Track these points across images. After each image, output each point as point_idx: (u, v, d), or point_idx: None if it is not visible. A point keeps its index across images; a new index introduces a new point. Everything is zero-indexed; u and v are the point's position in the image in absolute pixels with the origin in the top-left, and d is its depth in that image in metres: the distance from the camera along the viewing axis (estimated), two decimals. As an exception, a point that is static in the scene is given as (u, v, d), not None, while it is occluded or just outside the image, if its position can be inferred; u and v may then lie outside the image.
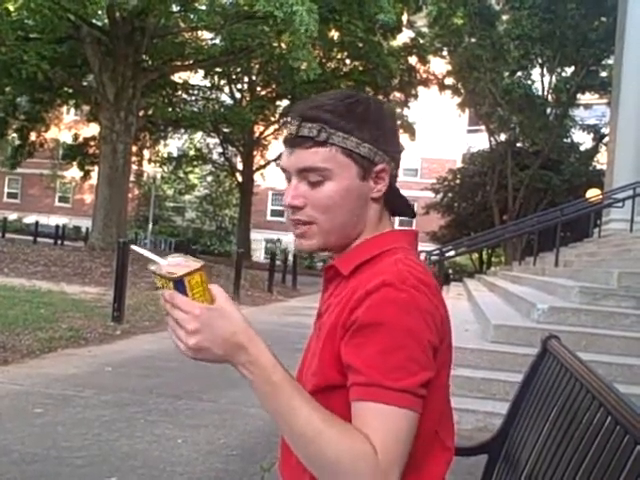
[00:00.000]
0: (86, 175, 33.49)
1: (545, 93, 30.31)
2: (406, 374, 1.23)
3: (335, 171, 1.38)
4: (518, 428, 2.11)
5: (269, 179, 43.01)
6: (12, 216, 49.63)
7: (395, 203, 1.50)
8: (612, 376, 5.55)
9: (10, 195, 55.78)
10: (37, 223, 37.16)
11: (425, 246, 23.87)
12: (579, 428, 1.62)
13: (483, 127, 35.35)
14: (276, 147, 39.09)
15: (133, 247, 1.36)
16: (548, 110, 30.72)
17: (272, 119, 36.00)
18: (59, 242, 33.80)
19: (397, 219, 1.69)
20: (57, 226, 37.59)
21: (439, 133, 48.26)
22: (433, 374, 1.28)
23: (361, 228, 1.44)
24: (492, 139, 33.03)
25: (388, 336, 1.24)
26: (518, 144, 33.86)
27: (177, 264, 1.24)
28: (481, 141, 38.18)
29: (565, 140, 33.57)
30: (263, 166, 39.08)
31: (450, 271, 30.94)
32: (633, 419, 1.35)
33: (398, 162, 1.46)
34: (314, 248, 1.43)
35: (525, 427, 2.05)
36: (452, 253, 17.15)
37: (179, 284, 1.21)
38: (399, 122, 33.42)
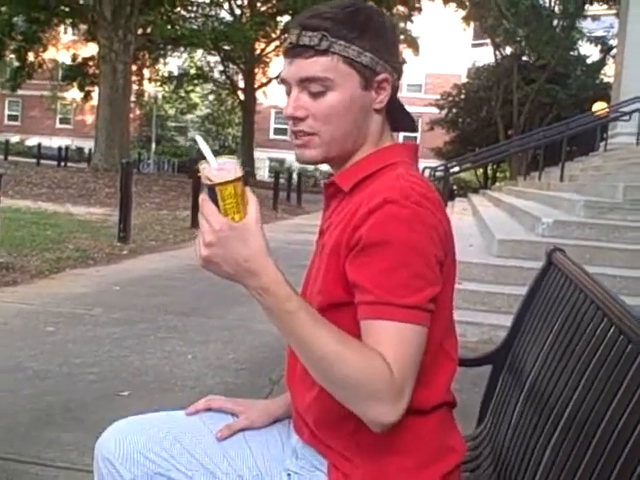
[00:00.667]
0: (87, 96, 33.19)
1: (552, 4, 29.66)
2: (414, 290, 1.24)
3: (337, 81, 1.36)
4: (522, 339, 2.15)
5: (271, 97, 42.50)
6: (14, 138, 49.35)
7: (397, 116, 1.48)
8: (616, 288, 5.59)
9: (11, 117, 55.36)
10: (39, 145, 37.05)
11: (430, 162, 23.73)
12: (582, 338, 1.64)
13: (488, 41, 34.80)
14: (278, 64, 38.53)
15: (198, 138, 1.33)
16: (555, 22, 30.17)
17: (273, 35, 35.32)
18: (62, 164, 33.76)
19: (401, 135, 1.68)
20: (60, 148, 37.47)
21: (443, 48, 47.40)
22: (440, 288, 1.29)
23: (362, 140, 1.42)
24: (497, 53, 32.55)
25: (393, 253, 1.24)
26: (524, 58, 33.36)
27: (221, 169, 1.22)
28: (486, 55, 37.59)
29: (572, 53, 33.06)
30: (265, 84, 38.56)
31: (455, 187, 30.92)
32: (637, 328, 1.37)
33: (400, 74, 1.44)
34: (316, 159, 1.42)
35: (529, 338, 2.08)
36: (457, 169, 17.08)
37: (211, 192, 1.21)
38: (402, 36, 32.84)
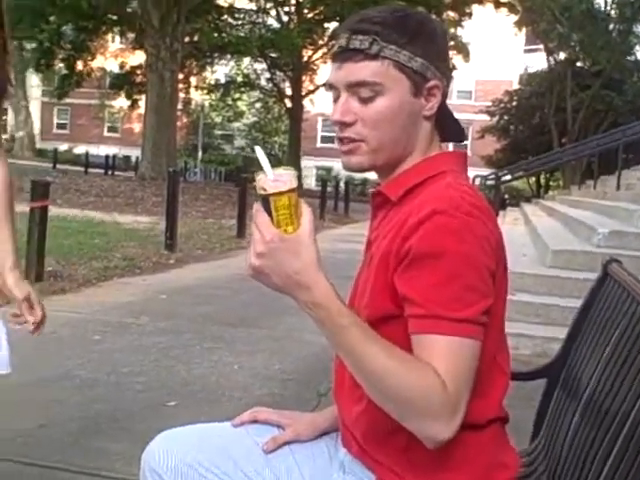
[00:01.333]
0: (134, 104, 33.69)
1: (608, 8, 29.28)
2: (466, 303, 1.23)
3: (387, 86, 1.36)
4: (578, 352, 2.12)
5: (318, 104, 42.50)
6: (62, 147, 50.33)
7: (446, 124, 1.47)
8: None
9: (59, 126, 56.46)
10: (87, 153, 37.72)
11: (481, 171, 23.57)
12: (641, 351, 1.61)
13: (541, 46, 34.48)
14: (325, 71, 38.62)
15: (257, 149, 1.34)
16: (611, 26, 29.74)
17: (320, 42, 35.41)
18: (110, 172, 34.32)
19: (450, 145, 1.67)
20: (107, 156, 38.08)
21: (494, 53, 47.09)
22: (492, 300, 1.28)
23: (411, 148, 1.41)
24: (551, 58, 32.22)
25: (444, 266, 1.23)
26: (578, 63, 32.97)
27: (277, 180, 1.23)
28: (539, 61, 37.28)
29: (628, 58, 32.54)
30: (312, 91, 38.68)
31: (506, 196, 30.60)
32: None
33: (450, 80, 1.43)
34: (362, 166, 1.42)
35: (585, 351, 2.06)
36: (508, 177, 16.97)
37: (265, 202, 1.22)
38: (452, 42, 32.69)
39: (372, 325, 1.27)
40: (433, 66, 1.38)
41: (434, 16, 29.12)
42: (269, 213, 1.22)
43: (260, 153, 1.31)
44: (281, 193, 1.21)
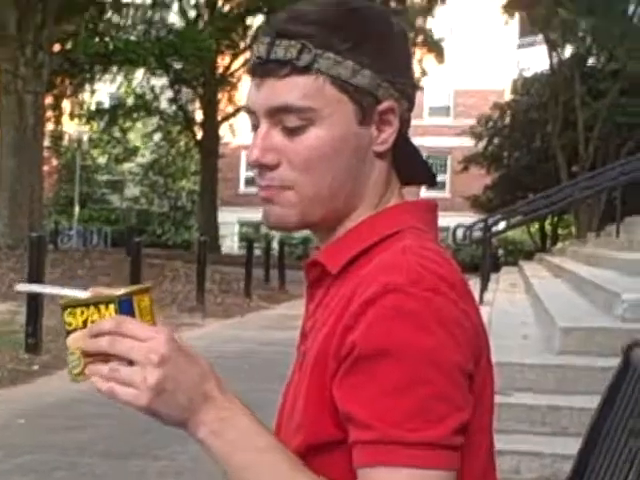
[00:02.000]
0: (-19, 142, 33.43)
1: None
2: (431, 420, 1.21)
3: (322, 111, 1.34)
4: (596, 470, 2.13)
5: (242, 133, 42.82)
6: None
7: (408, 162, 1.46)
8: None
9: None
10: None
11: (464, 217, 23.84)
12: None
13: (540, 38, 35.03)
14: (249, 86, 38.91)
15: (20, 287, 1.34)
16: (630, 9, 30.46)
17: (242, 45, 35.85)
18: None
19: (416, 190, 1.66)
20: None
21: (478, 52, 47.86)
22: (470, 412, 1.26)
23: (357, 198, 1.40)
24: (553, 55, 32.73)
25: (401, 368, 1.21)
26: (590, 61, 33.66)
27: (102, 292, 1.25)
28: (538, 60, 37.86)
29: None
30: (232, 114, 38.93)
31: (500, 251, 30.98)
32: None
33: (412, 100, 1.42)
34: (288, 223, 1.41)
35: (606, 469, 2.07)
36: (502, 226, 17.15)
37: (125, 306, 1.22)
38: (420, 38, 33.36)
39: (305, 457, 1.26)
40: (386, 81, 1.36)
41: (394, 3, 29.67)
42: None
43: (31, 287, 1.37)
44: (144, 290, 1.24)
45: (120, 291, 1.23)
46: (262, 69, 1.36)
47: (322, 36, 1.32)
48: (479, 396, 1.31)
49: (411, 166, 1.46)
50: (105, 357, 1.21)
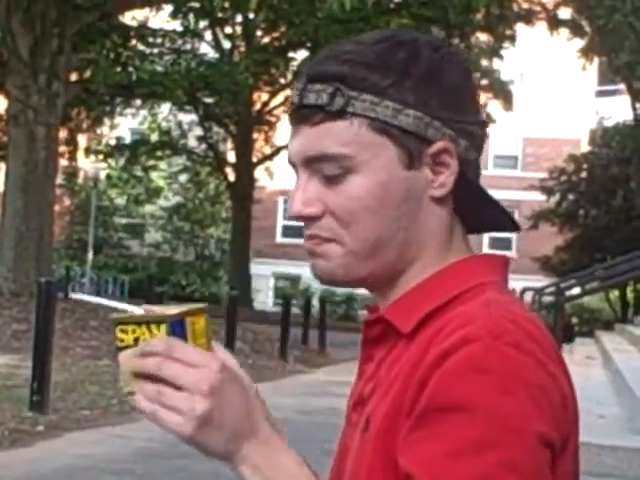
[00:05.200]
0: (-12, 177, 33.86)
1: None
2: None
3: (361, 157, 1.36)
4: None
5: (279, 178, 43.15)
6: None
7: (472, 207, 1.45)
8: None
9: None
10: None
11: (532, 280, 23.76)
12: None
13: (622, 86, 35.30)
14: (288, 125, 39.21)
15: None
16: None
17: (282, 81, 36.16)
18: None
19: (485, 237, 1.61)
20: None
21: (552, 98, 48.23)
22: None
23: (416, 249, 1.41)
24: (637, 105, 32.92)
25: (471, 426, 1.20)
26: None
27: (156, 309, 1.31)
28: (619, 109, 38.11)
29: None
30: (269, 156, 39.26)
31: (574, 320, 30.86)
32: None
33: (478, 140, 1.42)
34: (335, 277, 1.42)
35: None
36: (577, 291, 17.09)
37: (177, 327, 1.27)
38: (485, 81, 33.55)
39: None
40: (437, 120, 1.37)
41: (457, 42, 30.02)
42: None
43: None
44: (199, 311, 1.30)
45: (173, 310, 1.28)
46: (296, 116, 1.42)
47: (357, 76, 1.36)
48: (561, 476, 1.28)
49: (480, 212, 1.47)
50: (155, 379, 1.26)
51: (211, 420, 1.24)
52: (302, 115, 1.39)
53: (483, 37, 33.17)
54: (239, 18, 36.15)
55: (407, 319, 1.38)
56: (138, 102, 36.57)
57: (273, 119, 39.12)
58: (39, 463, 8.19)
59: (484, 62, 33.08)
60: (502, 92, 33.27)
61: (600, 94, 47.36)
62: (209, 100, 34.64)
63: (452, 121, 1.38)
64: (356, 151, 1.36)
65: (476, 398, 1.21)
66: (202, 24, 35.55)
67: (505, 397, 1.20)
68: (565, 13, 32.57)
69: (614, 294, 36.19)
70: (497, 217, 1.48)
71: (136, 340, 1.26)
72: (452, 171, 1.38)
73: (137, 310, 1.31)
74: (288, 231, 49.97)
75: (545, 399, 1.23)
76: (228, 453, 1.28)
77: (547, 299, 15.55)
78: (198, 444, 1.26)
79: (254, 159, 38.85)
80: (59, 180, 32.40)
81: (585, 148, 41.62)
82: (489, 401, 1.20)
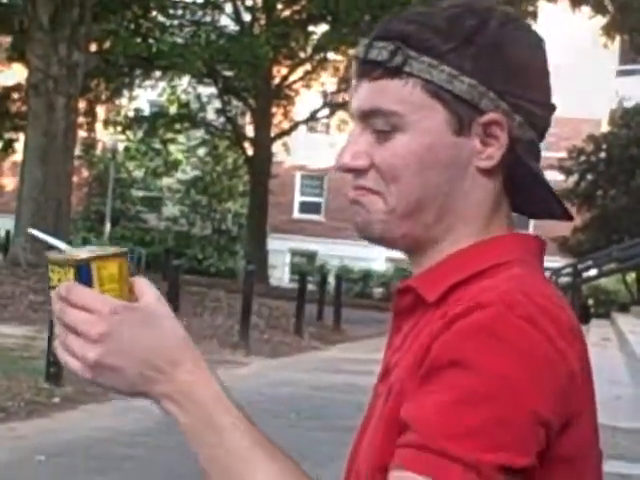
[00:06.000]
0: (7, 147, 33.83)
1: None
2: (485, 443, 1.20)
3: (409, 117, 1.37)
4: None
5: (297, 153, 43.02)
6: None
7: (526, 190, 1.45)
8: None
9: None
10: None
11: (549, 260, 23.69)
12: None
13: (644, 66, 35.13)
14: (307, 100, 39.08)
15: (32, 231, 1.43)
16: None
17: (302, 55, 36.01)
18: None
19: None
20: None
21: (571, 77, 47.83)
22: (528, 463, 1.21)
23: (454, 217, 1.41)
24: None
25: (471, 381, 1.22)
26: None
27: (89, 250, 1.30)
28: (640, 89, 37.93)
29: None
30: (287, 131, 39.10)
31: (590, 301, 30.78)
32: None
33: (538, 120, 1.42)
34: (373, 232, 1.42)
35: None
36: (594, 272, 17.07)
37: (83, 272, 1.27)
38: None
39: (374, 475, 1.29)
40: (492, 91, 1.37)
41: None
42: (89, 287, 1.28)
43: (37, 233, 1.40)
44: (111, 256, 1.28)
45: (81, 254, 1.28)
46: (359, 70, 1.42)
47: (420, 37, 1.36)
48: (571, 459, 1.28)
49: (530, 194, 1.46)
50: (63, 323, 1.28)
51: (106, 365, 1.26)
52: (364, 70, 1.40)
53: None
54: (260, -10, 35.93)
55: (433, 288, 1.38)
56: (157, 74, 36.28)
57: (292, 93, 38.84)
58: (55, 434, 8.24)
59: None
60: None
61: (621, 73, 46.94)
62: (228, 73, 34.47)
63: (509, 95, 1.38)
64: (407, 110, 1.36)
65: (479, 358, 1.21)
66: (222, -5, 35.43)
67: (508, 363, 1.21)
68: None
69: (631, 276, 36.02)
70: (548, 203, 1.48)
71: (59, 282, 1.28)
72: (501, 144, 1.37)
73: (68, 248, 1.32)
74: (305, 207, 49.75)
75: (548, 376, 1.23)
76: (138, 393, 1.30)
77: (564, 280, 15.51)
78: (104, 386, 1.28)
79: (272, 134, 38.64)
80: (77, 151, 32.32)
81: (605, 128, 41.33)
82: (491, 363, 1.21)
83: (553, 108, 1.45)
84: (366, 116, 1.40)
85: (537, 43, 1.44)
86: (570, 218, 1.49)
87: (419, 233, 1.41)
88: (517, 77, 1.39)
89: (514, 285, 1.28)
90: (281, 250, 46.68)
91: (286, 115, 39.60)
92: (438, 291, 1.37)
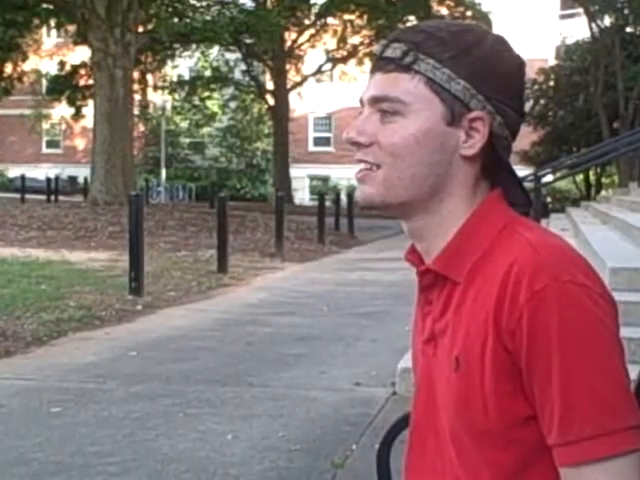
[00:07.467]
0: (78, 112, 33.79)
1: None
2: (630, 403, 1.24)
3: (412, 106, 1.38)
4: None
5: (308, 100, 42.89)
6: (-9, 170, 50.55)
7: (498, 178, 1.44)
8: None
9: (-14, 144, 56.53)
10: (23, 177, 37.74)
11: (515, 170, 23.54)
12: None
13: (580, 10, 34.62)
14: (313, 58, 39.03)
15: None
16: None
17: (306, 22, 35.80)
18: (53, 198, 34.34)
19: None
20: (48, 179, 38.15)
21: (523, 24, 47.16)
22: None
23: (443, 193, 1.41)
24: (593, 25, 32.31)
25: (591, 355, 1.24)
26: (628, 29, 33.10)
27: None
28: (579, 29, 37.38)
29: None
30: (299, 83, 39.08)
31: (549, 199, 30.68)
32: None
33: (512, 122, 1.41)
34: (373, 200, 1.42)
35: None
36: (550, 177, 17.01)
37: None
38: (469, 12, 33.05)
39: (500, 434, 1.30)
40: (482, 95, 1.38)
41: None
42: None
43: None
44: None
45: None
46: (375, 65, 1.43)
47: (428, 44, 1.38)
48: None
49: (501, 182, 1.44)
50: None
51: None
52: (379, 65, 1.41)
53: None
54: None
55: (458, 270, 1.39)
56: (193, 46, 36.45)
57: (301, 53, 39.00)
58: (142, 334, 8.36)
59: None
60: (483, 20, 32.60)
61: (563, 17, 46.40)
62: (250, 41, 34.37)
63: (494, 99, 1.38)
64: (411, 100, 1.37)
65: (586, 328, 1.24)
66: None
67: (607, 323, 1.26)
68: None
69: (579, 177, 35.97)
70: (514, 191, 1.45)
71: None
72: (482, 137, 1.38)
73: None
74: (318, 141, 50.50)
75: (614, 311, 1.30)
76: None
77: (528, 185, 15.45)
78: None
79: (288, 86, 38.68)
80: (135, 111, 32.32)
81: (552, 62, 40.98)
82: (600, 330, 1.24)
83: (524, 116, 1.47)
84: (376, 101, 1.40)
85: (520, 65, 1.45)
86: (530, 205, 1.47)
87: (415, 203, 1.41)
88: (501, 87, 1.40)
89: (557, 251, 1.31)
90: (301, 177, 46.82)
91: (298, 71, 39.64)
92: (463, 271, 1.39)
